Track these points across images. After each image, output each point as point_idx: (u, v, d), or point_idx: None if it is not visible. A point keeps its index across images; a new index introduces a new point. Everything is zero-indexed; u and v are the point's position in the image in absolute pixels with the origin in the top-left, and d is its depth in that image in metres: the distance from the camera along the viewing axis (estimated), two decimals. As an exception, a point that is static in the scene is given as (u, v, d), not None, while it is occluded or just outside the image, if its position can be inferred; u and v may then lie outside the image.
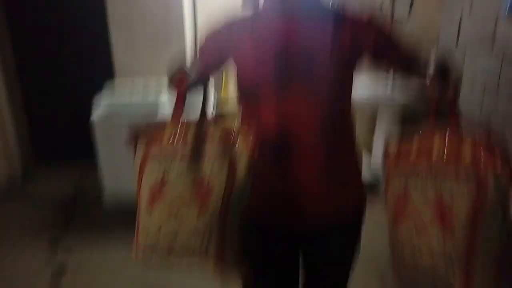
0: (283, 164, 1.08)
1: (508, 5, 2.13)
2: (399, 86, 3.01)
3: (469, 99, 2.61)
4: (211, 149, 0.93)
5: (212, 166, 0.92)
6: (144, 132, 0.99)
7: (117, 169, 2.67)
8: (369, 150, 3.12)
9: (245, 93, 1.14)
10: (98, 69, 3.26)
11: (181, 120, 0.96)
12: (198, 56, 1.16)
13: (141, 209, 0.94)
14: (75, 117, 3.35)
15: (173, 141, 0.95)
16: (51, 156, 3.58)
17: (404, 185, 0.93)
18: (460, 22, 2.73)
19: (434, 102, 0.96)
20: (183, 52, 3.04)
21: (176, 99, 0.97)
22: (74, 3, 3.22)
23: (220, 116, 0.94)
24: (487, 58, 2.41)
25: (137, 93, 2.85)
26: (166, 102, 2.81)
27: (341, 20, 1.09)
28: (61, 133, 3.56)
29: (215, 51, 1.15)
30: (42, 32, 3.29)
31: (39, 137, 3.56)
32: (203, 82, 1.03)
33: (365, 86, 2.84)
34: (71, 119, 3.49)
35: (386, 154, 1.01)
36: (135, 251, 0.96)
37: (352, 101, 1.15)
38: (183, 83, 0.95)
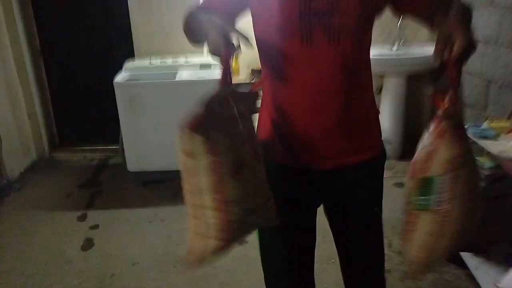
0: (309, 109, 1.09)
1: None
2: (406, 47, 3.10)
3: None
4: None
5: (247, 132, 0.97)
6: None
7: (139, 133, 2.86)
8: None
9: (264, 43, 1.11)
10: (119, 50, 3.39)
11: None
12: None
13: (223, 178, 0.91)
14: (96, 99, 3.51)
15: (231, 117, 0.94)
16: (74, 138, 3.66)
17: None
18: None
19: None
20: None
21: (223, 66, 0.94)
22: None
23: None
24: (487, 10, 2.48)
25: (156, 60, 3.03)
26: (183, 64, 2.97)
27: None
28: (83, 116, 3.62)
29: None
30: (65, 15, 3.43)
31: (63, 119, 3.66)
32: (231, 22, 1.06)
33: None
34: (92, 101, 3.57)
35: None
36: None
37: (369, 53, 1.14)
38: (228, 51, 0.92)
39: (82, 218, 2.65)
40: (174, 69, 2.95)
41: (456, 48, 0.86)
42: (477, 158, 1.93)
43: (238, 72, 3.19)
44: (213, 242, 0.93)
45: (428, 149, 0.94)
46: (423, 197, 0.94)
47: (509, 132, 2.10)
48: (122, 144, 3.00)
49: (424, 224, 0.96)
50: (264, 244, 1.29)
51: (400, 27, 3.08)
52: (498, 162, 1.91)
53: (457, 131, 0.92)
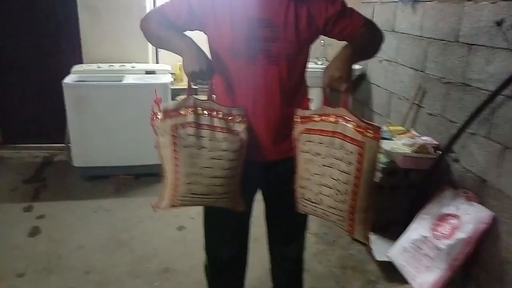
0: (252, 115, 1.34)
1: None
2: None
3: (378, 68, 3.23)
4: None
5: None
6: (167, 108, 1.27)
7: (85, 131, 3.04)
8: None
9: (219, 62, 1.34)
10: (67, 55, 3.51)
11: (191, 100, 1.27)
12: (181, 1, 1.32)
13: (181, 167, 1.25)
14: (41, 100, 3.61)
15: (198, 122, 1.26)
16: (18, 135, 3.74)
17: (309, 150, 1.27)
18: (373, 9, 3.32)
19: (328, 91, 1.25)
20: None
21: (188, 86, 1.28)
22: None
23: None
24: (390, 36, 3.01)
25: (104, 65, 3.26)
26: (129, 69, 3.22)
27: None
28: (28, 115, 3.70)
29: (199, 7, 1.31)
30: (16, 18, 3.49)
31: (6, 117, 3.70)
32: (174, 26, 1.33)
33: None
34: (38, 102, 3.66)
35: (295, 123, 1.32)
36: (166, 200, 1.31)
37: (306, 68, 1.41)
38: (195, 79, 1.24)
39: (28, 209, 2.78)
40: (121, 73, 3.18)
41: (337, 79, 1.19)
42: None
43: (182, 79, 3.50)
44: (171, 197, 1.31)
45: None
46: None
47: (401, 134, 2.60)
48: (68, 142, 3.16)
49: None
50: (208, 216, 1.55)
51: (324, 46, 3.59)
52: (391, 157, 2.38)
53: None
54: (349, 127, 1.20)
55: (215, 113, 1.30)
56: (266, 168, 1.45)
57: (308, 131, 1.29)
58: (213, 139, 1.28)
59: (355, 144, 1.19)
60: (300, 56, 1.38)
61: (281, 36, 1.29)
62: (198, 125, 1.28)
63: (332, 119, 1.25)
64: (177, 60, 4.68)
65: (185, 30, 1.37)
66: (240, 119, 1.32)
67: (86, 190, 3.06)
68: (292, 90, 1.38)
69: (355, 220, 1.25)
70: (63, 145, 3.50)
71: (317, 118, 1.28)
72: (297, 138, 1.32)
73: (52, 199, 2.92)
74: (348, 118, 1.21)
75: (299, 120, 1.33)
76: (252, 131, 1.36)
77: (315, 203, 1.30)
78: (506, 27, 1.87)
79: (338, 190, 1.23)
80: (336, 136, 1.22)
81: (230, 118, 1.31)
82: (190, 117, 1.27)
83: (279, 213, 1.59)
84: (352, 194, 1.22)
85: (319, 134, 1.26)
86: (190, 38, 1.29)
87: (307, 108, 1.44)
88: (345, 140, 1.21)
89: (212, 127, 1.29)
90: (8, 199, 2.91)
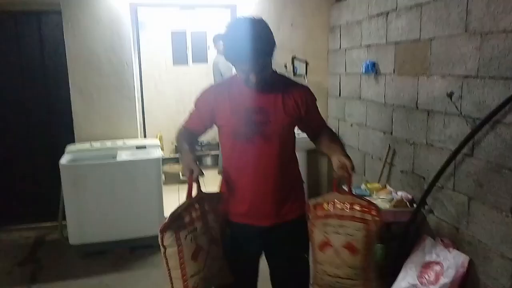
0: (254, 185, 1.62)
1: (364, 68, 3.13)
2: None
3: (350, 131, 3.58)
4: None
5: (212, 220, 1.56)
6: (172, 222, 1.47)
7: (82, 209, 3.14)
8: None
9: (225, 142, 1.66)
10: (59, 134, 3.67)
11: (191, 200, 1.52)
12: (193, 111, 1.70)
13: (186, 262, 1.48)
14: (31, 180, 3.68)
15: (191, 218, 1.50)
16: (7, 217, 3.74)
17: (324, 232, 1.52)
18: (340, 79, 3.75)
19: (338, 180, 1.54)
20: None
21: (188, 186, 1.50)
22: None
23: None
24: (358, 102, 3.40)
25: (97, 144, 3.44)
26: (121, 146, 3.41)
27: (288, 85, 1.64)
28: (19, 197, 3.75)
29: (206, 106, 1.65)
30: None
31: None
32: (197, 134, 1.71)
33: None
34: (27, 182, 3.72)
35: (309, 213, 1.57)
36: None
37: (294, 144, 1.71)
38: (192, 177, 1.48)
39: (28, 292, 2.80)
40: (114, 150, 3.37)
41: (349, 166, 1.48)
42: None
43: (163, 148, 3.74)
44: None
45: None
46: None
47: (379, 190, 2.89)
48: (62, 220, 3.23)
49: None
50: None
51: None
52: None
53: None
54: (357, 209, 1.49)
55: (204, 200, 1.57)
56: (268, 231, 1.67)
57: (322, 217, 1.54)
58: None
59: (363, 223, 1.47)
60: (289, 134, 1.68)
61: (272, 120, 1.59)
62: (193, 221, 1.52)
63: (341, 204, 1.52)
64: (158, 130, 4.98)
65: (206, 130, 1.72)
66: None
67: (83, 267, 3.10)
68: (286, 162, 1.66)
69: (369, 280, 1.51)
70: (54, 223, 3.56)
71: (328, 205, 1.54)
72: (312, 223, 1.56)
73: (50, 280, 2.93)
74: (355, 202, 1.50)
75: (311, 207, 1.58)
76: (254, 199, 1.62)
77: (331, 276, 1.53)
78: (455, 98, 2.25)
79: (352, 264, 1.48)
80: (346, 219, 1.49)
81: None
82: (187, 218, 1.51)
83: (282, 273, 1.77)
84: (363, 262, 1.48)
85: (333, 218, 1.52)
86: (188, 149, 1.60)
87: (299, 175, 1.75)
88: (354, 221, 1.48)
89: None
90: (5, 283, 2.91)
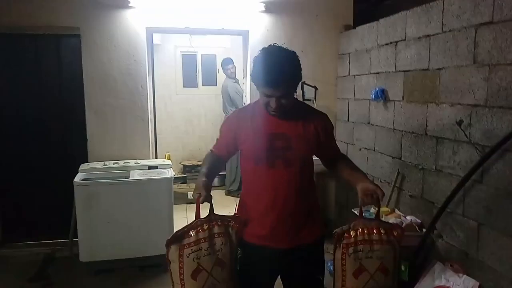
0: (274, 209, 1.66)
1: (374, 94, 3.22)
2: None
3: (358, 155, 3.65)
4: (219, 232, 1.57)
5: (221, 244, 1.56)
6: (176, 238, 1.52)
7: (93, 227, 3.19)
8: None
9: (246, 167, 1.73)
10: (74, 154, 3.71)
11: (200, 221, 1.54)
12: (219, 136, 1.78)
13: (185, 279, 1.50)
14: (42, 198, 3.72)
15: (198, 238, 1.51)
16: (20, 236, 3.78)
17: (358, 258, 1.58)
18: (348, 104, 3.84)
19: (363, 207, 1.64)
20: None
21: (196, 208, 1.53)
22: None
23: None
24: (367, 127, 3.48)
25: (110, 164, 3.51)
26: (134, 165, 3.48)
27: (308, 112, 1.72)
28: (29, 214, 3.77)
29: (229, 132, 1.73)
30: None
31: (5, 216, 3.75)
32: (222, 159, 1.76)
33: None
34: (36, 199, 3.74)
35: (339, 241, 1.60)
36: None
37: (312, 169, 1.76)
38: (199, 199, 1.49)
39: (39, 309, 2.82)
40: (126, 169, 3.44)
41: (380, 195, 1.53)
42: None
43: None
44: None
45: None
46: None
47: (388, 214, 2.94)
48: (73, 237, 3.27)
49: None
50: None
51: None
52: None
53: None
54: (382, 233, 1.57)
55: (214, 223, 1.58)
56: (286, 253, 1.71)
57: (352, 244, 1.60)
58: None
59: (390, 245, 1.57)
60: (309, 160, 1.75)
61: (294, 146, 1.66)
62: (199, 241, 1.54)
63: (368, 229, 1.60)
64: (167, 151, 5.07)
65: (230, 156, 1.80)
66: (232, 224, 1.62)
67: (93, 285, 3.13)
68: (305, 187, 1.73)
69: None
70: (63, 240, 3.59)
71: (356, 232, 1.61)
72: (343, 252, 1.61)
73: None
74: (381, 226, 1.60)
75: (339, 235, 1.62)
76: (274, 222, 1.66)
77: None
78: (464, 126, 2.33)
79: (385, 284, 1.59)
80: (376, 243, 1.57)
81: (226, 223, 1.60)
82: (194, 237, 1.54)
83: None
84: (393, 281, 1.63)
85: (363, 244, 1.58)
86: (204, 173, 1.62)
87: (317, 199, 1.82)
88: (383, 244, 1.56)
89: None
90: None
